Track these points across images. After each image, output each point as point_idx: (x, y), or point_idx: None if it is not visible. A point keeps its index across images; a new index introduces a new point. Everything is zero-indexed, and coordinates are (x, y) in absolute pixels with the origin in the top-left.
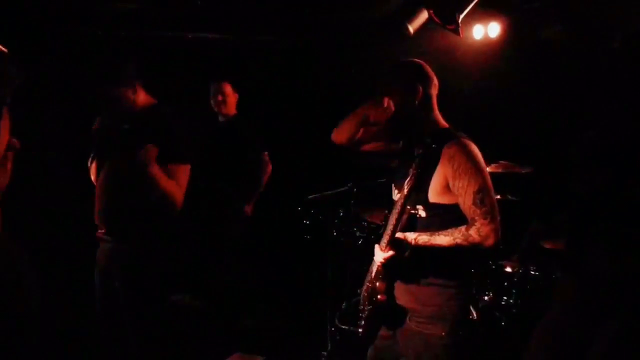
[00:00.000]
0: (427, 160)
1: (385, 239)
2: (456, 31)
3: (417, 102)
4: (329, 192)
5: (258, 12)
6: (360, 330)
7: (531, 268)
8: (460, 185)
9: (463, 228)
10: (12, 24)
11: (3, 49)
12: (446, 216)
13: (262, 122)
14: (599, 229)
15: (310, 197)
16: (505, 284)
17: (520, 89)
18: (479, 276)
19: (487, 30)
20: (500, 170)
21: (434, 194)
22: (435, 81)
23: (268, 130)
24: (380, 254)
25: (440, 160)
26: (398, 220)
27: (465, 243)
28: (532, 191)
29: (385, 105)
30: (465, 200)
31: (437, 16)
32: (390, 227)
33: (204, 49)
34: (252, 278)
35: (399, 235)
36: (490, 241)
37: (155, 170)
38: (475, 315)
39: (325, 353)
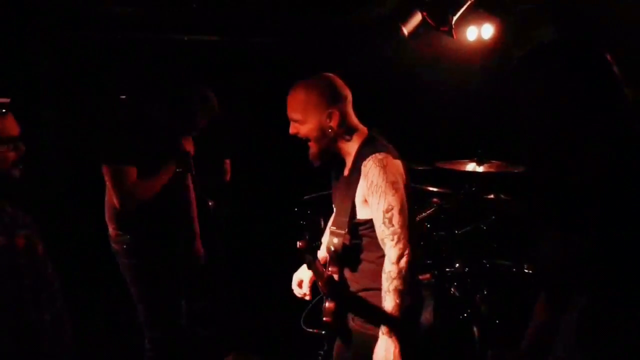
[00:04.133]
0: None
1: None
2: (449, 33)
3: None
4: (326, 192)
5: (253, 14)
6: (324, 332)
7: (525, 266)
8: (373, 202)
9: (383, 274)
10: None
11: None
12: (370, 233)
13: (258, 123)
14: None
15: (306, 197)
16: (499, 282)
17: (513, 90)
18: (473, 275)
19: (480, 32)
20: (493, 170)
21: (359, 209)
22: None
23: (265, 131)
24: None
25: (361, 175)
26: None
27: (397, 287)
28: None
29: None
30: (377, 219)
31: (430, 18)
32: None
33: (201, 51)
34: (248, 279)
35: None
36: (403, 263)
37: None
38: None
39: (321, 352)
